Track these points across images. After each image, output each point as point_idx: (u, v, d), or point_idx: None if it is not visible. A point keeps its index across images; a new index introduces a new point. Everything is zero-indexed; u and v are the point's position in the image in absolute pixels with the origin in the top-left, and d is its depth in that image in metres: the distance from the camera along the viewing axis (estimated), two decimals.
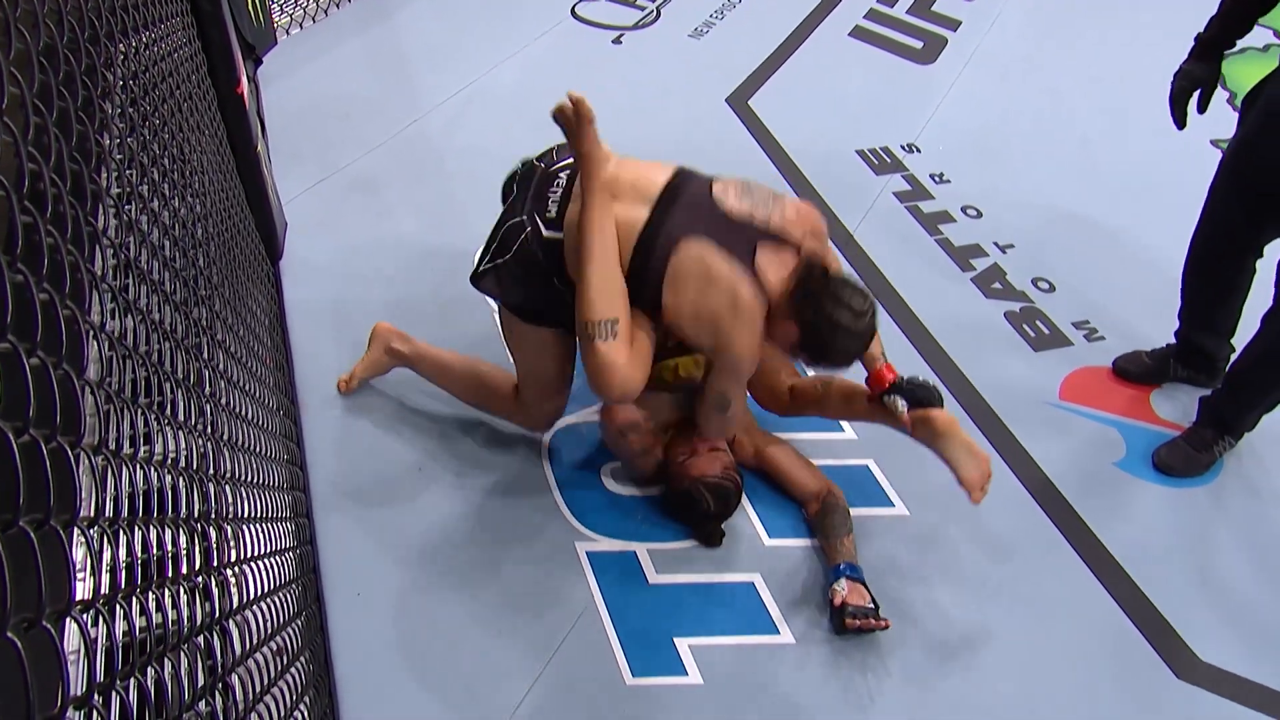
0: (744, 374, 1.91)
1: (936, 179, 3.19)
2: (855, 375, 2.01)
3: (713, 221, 1.80)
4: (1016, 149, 3.37)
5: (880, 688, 1.87)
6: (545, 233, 1.86)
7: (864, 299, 1.78)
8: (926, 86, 3.66)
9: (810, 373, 2.26)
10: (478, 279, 1.97)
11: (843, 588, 1.94)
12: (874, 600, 1.93)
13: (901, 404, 1.94)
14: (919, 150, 3.31)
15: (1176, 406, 2.47)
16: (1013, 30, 4.00)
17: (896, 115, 3.47)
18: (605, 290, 1.77)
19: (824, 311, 1.75)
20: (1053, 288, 2.80)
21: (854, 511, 2.15)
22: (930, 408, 1.96)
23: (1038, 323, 2.71)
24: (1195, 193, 2.26)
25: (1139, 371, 2.52)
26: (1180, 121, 2.14)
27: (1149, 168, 3.27)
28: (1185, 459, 2.30)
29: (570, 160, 1.88)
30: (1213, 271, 2.31)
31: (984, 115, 3.51)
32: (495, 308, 2.54)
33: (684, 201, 1.82)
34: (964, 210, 3.07)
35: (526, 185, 1.93)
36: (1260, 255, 2.23)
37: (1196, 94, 2.11)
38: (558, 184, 1.88)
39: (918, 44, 3.90)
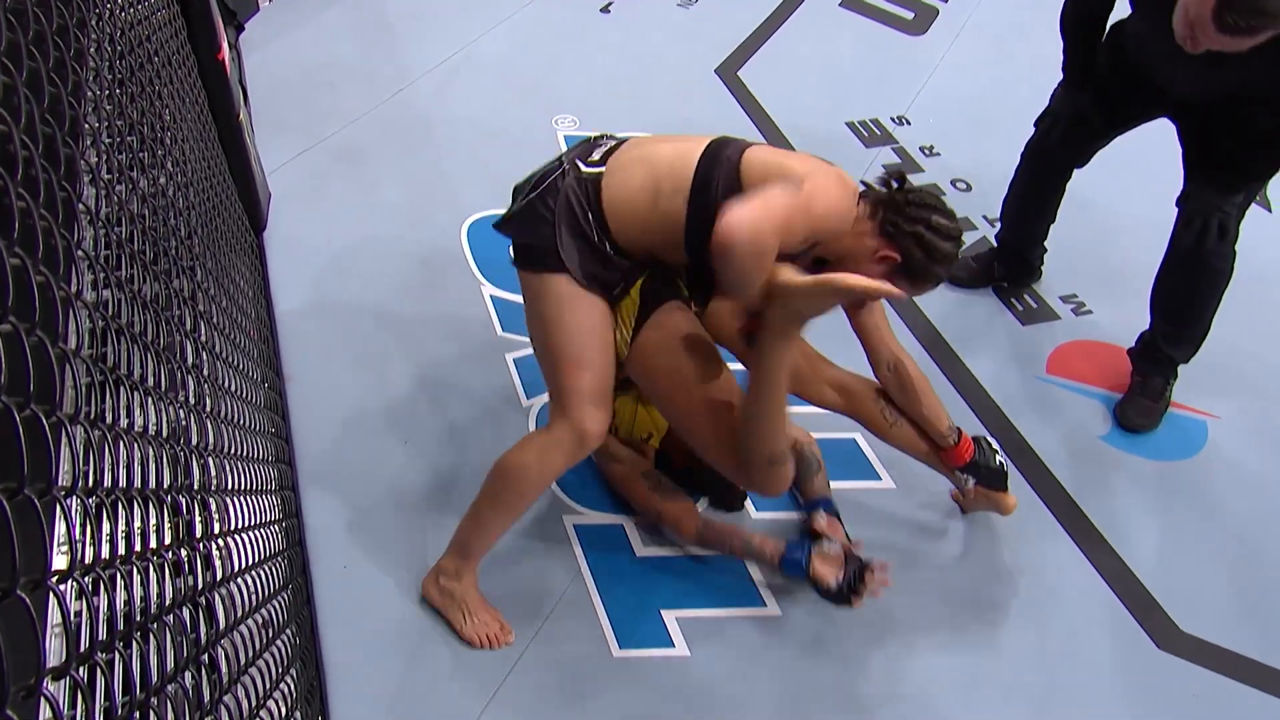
0: (799, 194, 1.54)
1: (926, 152, 3.17)
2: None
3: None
4: (1007, 121, 3.34)
5: (865, 660, 1.89)
6: (584, 169, 1.65)
7: (945, 201, 1.69)
8: (917, 58, 3.63)
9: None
10: (503, 223, 1.73)
11: (821, 519, 2.00)
12: (849, 537, 1.98)
13: (971, 484, 1.97)
14: (909, 122, 3.29)
15: None
16: (1004, 1, 3.97)
17: (887, 87, 3.44)
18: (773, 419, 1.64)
19: (923, 220, 1.62)
20: (1040, 276, 2.80)
21: (841, 485, 2.16)
22: (996, 490, 2.00)
23: (1026, 297, 2.71)
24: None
25: (968, 277, 2.69)
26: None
27: (1139, 142, 3.25)
28: (1149, 413, 2.36)
29: (615, 139, 1.71)
30: (1045, 185, 2.50)
31: (975, 87, 3.48)
32: (482, 282, 2.52)
33: (732, 139, 1.67)
34: (954, 183, 3.06)
35: (569, 151, 1.73)
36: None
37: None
38: (605, 143, 1.71)
39: (909, 14, 3.86)
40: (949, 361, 2.50)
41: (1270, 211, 3.10)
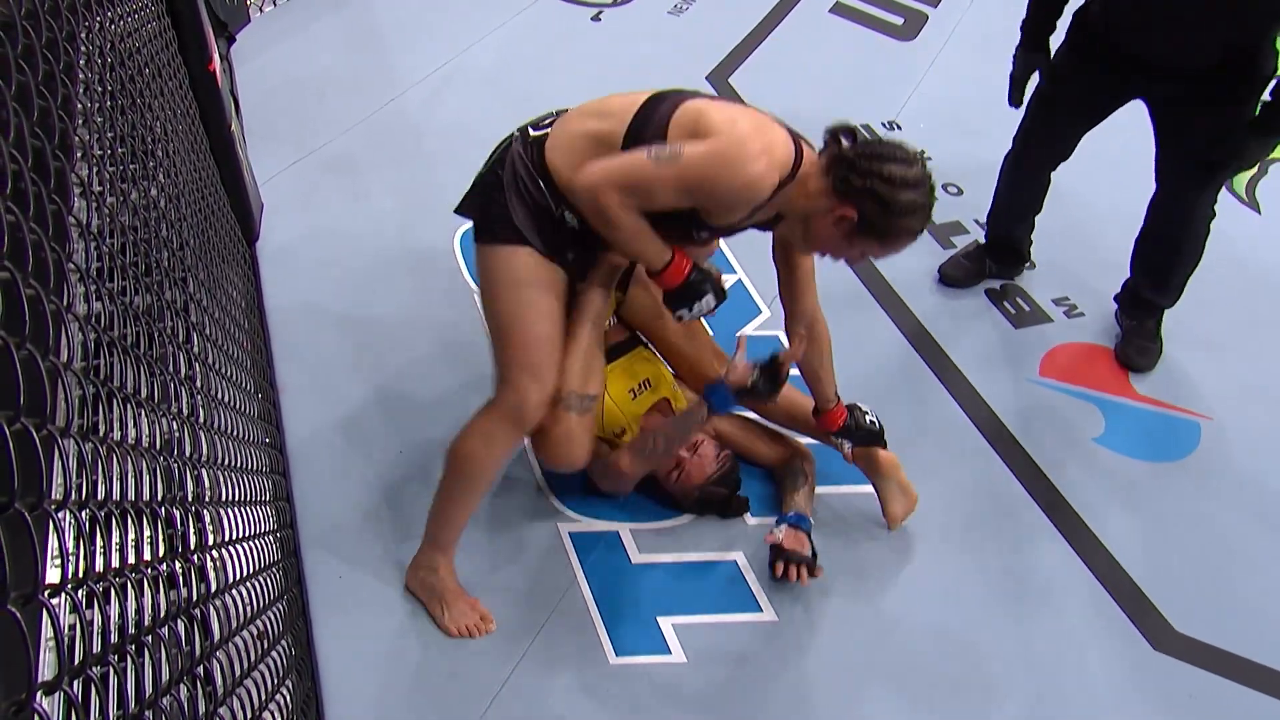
0: (713, 165, 1.54)
1: None
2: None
3: (716, 99, 1.67)
4: (997, 126, 3.35)
5: (862, 665, 1.89)
6: (533, 133, 1.68)
7: (906, 148, 1.59)
8: (907, 63, 3.65)
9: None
10: (461, 204, 1.76)
11: (780, 531, 1.97)
12: (814, 551, 1.96)
13: (848, 447, 2.03)
14: (900, 127, 3.30)
15: (1156, 383, 2.49)
16: (993, 5, 3.99)
17: (877, 92, 3.46)
18: (592, 362, 1.75)
19: (875, 172, 1.53)
20: (1033, 265, 2.81)
21: (831, 490, 2.17)
22: (874, 446, 2.04)
23: (1018, 300, 2.72)
24: None
25: (963, 276, 2.72)
26: (1017, 101, 2.42)
27: (1130, 144, 3.27)
28: (1150, 353, 2.46)
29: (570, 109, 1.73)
30: (1036, 173, 2.56)
31: (965, 92, 3.50)
32: (475, 291, 2.52)
33: (672, 93, 1.67)
34: (945, 188, 3.07)
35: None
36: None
37: (1035, 75, 2.34)
38: (556, 115, 1.73)
39: (898, 20, 3.88)
40: (941, 365, 2.50)
41: (1260, 214, 3.11)
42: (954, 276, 2.72)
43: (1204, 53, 2.03)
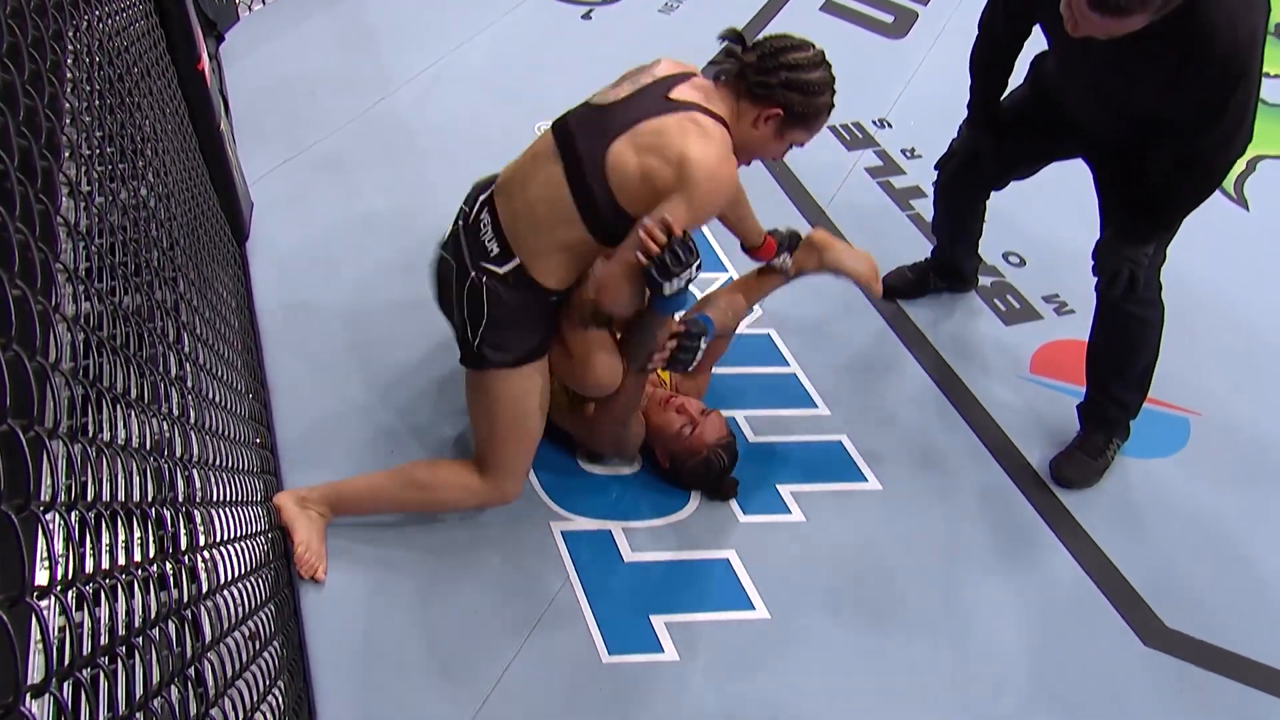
0: (708, 198, 1.65)
1: (908, 154, 3.19)
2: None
3: (613, 116, 1.69)
4: None
5: (855, 661, 1.89)
6: (502, 269, 1.75)
7: (790, 35, 1.76)
8: (898, 61, 3.65)
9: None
10: (480, 361, 1.81)
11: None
12: (686, 345, 1.92)
13: (786, 259, 2.13)
14: (890, 125, 3.30)
15: None
16: (984, 3, 3.99)
17: (868, 90, 3.46)
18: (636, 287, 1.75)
19: (783, 64, 1.69)
20: (1023, 262, 2.82)
21: (828, 487, 2.18)
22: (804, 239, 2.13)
23: (1009, 297, 2.73)
24: None
25: (905, 287, 2.67)
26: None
27: None
28: (1084, 470, 2.24)
29: (482, 196, 1.80)
30: (959, 214, 2.52)
31: (955, 90, 3.48)
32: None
33: (581, 130, 1.71)
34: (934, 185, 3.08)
35: (458, 247, 1.81)
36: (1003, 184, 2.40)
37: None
38: (483, 224, 1.78)
39: (889, 18, 3.88)
40: (933, 362, 2.51)
41: (1248, 210, 3.13)
42: (895, 287, 2.63)
43: (1115, 126, 1.98)
